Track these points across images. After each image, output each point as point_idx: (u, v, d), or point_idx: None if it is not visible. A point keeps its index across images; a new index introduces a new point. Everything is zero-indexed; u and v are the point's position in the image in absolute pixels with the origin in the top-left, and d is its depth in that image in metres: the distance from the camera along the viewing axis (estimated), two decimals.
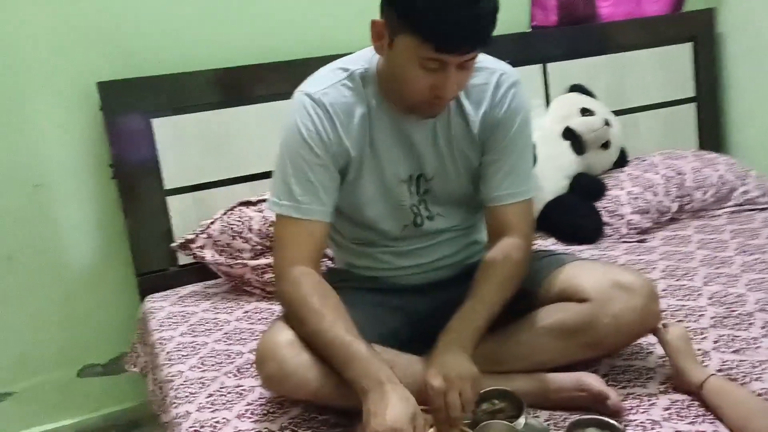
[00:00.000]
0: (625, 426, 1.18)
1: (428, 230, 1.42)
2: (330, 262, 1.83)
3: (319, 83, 1.32)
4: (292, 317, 1.26)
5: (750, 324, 1.48)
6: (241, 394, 1.40)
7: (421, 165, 1.37)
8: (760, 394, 1.23)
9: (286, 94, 2.00)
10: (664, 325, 1.30)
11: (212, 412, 1.35)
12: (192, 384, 1.45)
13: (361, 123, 1.31)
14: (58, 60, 1.88)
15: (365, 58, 1.34)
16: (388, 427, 1.05)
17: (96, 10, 1.89)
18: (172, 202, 1.97)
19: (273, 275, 1.36)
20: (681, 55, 2.55)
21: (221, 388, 1.43)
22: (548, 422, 1.23)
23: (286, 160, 1.31)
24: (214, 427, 1.30)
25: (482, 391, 1.18)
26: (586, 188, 2.15)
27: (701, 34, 2.56)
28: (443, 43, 1.13)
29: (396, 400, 1.09)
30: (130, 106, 1.88)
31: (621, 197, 2.12)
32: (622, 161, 2.30)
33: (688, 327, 1.48)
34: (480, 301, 1.29)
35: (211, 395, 1.40)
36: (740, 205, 2.22)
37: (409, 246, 1.43)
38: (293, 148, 1.30)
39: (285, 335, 1.24)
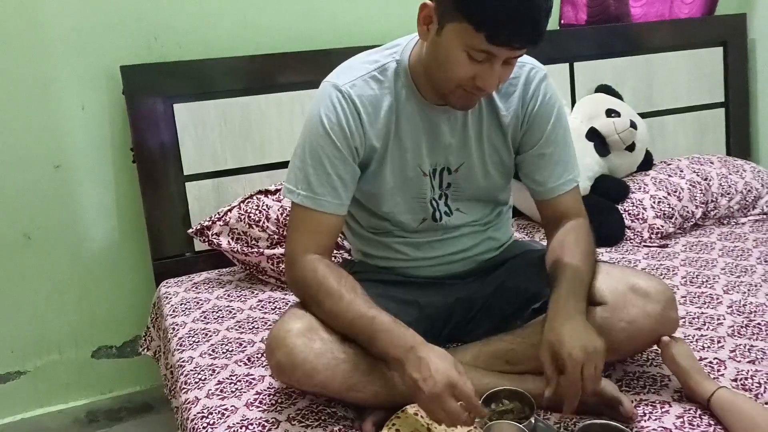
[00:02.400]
0: None
1: (446, 225, 1.41)
2: (346, 254, 1.83)
3: (349, 74, 1.31)
4: (310, 301, 1.26)
5: None
6: (250, 383, 1.40)
7: (447, 158, 1.36)
8: None
9: (310, 84, 2.02)
10: (672, 337, 1.27)
11: (221, 399, 1.35)
12: (202, 370, 1.46)
13: (387, 116, 1.31)
14: (82, 42, 1.89)
15: (398, 49, 1.33)
16: (444, 384, 1.07)
17: None
18: (191, 187, 1.97)
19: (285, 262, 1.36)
20: (711, 59, 2.51)
21: (231, 376, 1.43)
22: (558, 425, 1.21)
23: (306, 150, 1.30)
24: (222, 414, 1.30)
25: (492, 391, 1.17)
26: (609, 190, 2.12)
27: (732, 39, 2.51)
28: (497, 36, 1.12)
29: (435, 357, 1.10)
30: (153, 91, 1.89)
31: (644, 201, 2.09)
32: (647, 164, 2.27)
33: (705, 336, 1.46)
34: (576, 271, 1.27)
35: (220, 383, 1.40)
36: (765, 213, 2.18)
37: (426, 238, 1.43)
38: (314, 139, 1.29)
39: (297, 324, 1.23)
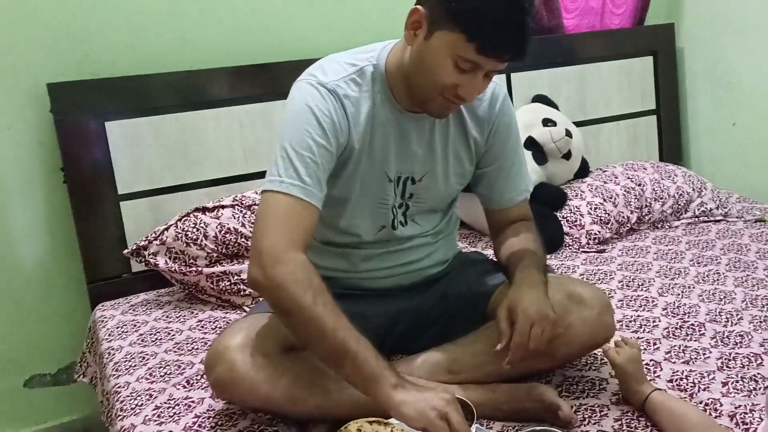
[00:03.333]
0: None
1: (400, 235, 1.41)
2: None
3: (330, 75, 1.28)
4: (295, 307, 1.13)
5: (701, 335, 1.49)
6: (189, 406, 1.36)
7: (412, 166, 1.36)
8: (707, 404, 1.23)
9: (249, 99, 2.01)
10: (617, 344, 1.29)
11: (158, 425, 1.31)
12: (139, 396, 1.41)
13: (366, 119, 1.29)
14: (9, 60, 1.82)
15: (373, 54, 1.32)
16: (445, 403, 1.07)
17: (49, 7, 1.84)
18: (126, 207, 1.92)
19: (252, 255, 1.18)
20: (642, 68, 2.59)
21: (169, 399, 1.39)
22: None
23: (292, 139, 1.22)
24: None
25: None
26: (548, 198, 2.15)
27: (661, 48, 2.60)
28: (488, 47, 1.14)
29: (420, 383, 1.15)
30: (82, 109, 1.83)
31: (581, 207, 2.13)
32: (584, 171, 2.32)
33: (641, 338, 1.49)
34: (536, 252, 1.37)
35: (158, 407, 1.36)
36: (697, 216, 2.24)
37: (378, 249, 1.42)
38: (303, 129, 1.22)
39: (236, 338, 1.21)
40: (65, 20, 1.86)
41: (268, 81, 2.02)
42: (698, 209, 2.25)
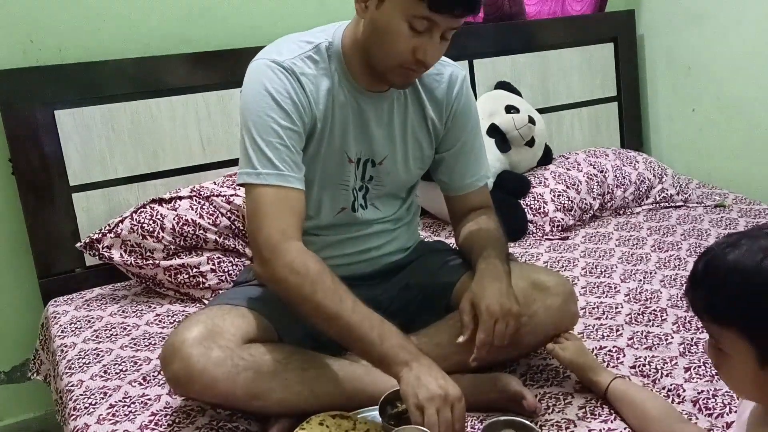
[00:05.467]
0: (541, 426, 1.17)
1: (360, 219, 1.39)
2: (248, 260, 1.77)
3: (285, 53, 1.25)
4: (299, 297, 1.16)
5: (663, 320, 1.50)
6: (145, 403, 1.32)
7: (372, 148, 1.34)
8: (670, 390, 1.24)
9: (204, 87, 1.96)
10: (557, 341, 1.28)
11: (113, 424, 1.26)
12: (93, 394, 1.36)
13: (326, 97, 1.27)
14: None
15: (328, 32, 1.30)
16: (440, 393, 1.06)
17: None
18: (79, 199, 1.86)
19: (253, 252, 1.21)
20: (604, 55, 2.59)
21: (124, 398, 1.34)
22: (465, 423, 1.20)
23: (256, 128, 1.20)
24: None
25: (386, 395, 1.15)
26: (511, 185, 2.15)
27: (622, 35, 2.60)
28: (439, 2, 1.12)
29: (438, 369, 1.11)
30: (29, 97, 1.76)
31: (545, 195, 2.13)
32: (547, 159, 2.31)
33: (604, 324, 1.49)
34: (499, 240, 1.36)
35: (112, 406, 1.32)
36: (658, 202, 2.26)
37: (337, 236, 1.39)
38: (264, 114, 1.20)
39: (193, 332, 1.17)
40: (6, 4, 1.78)
41: (226, 69, 1.97)
42: (659, 195, 2.27)
